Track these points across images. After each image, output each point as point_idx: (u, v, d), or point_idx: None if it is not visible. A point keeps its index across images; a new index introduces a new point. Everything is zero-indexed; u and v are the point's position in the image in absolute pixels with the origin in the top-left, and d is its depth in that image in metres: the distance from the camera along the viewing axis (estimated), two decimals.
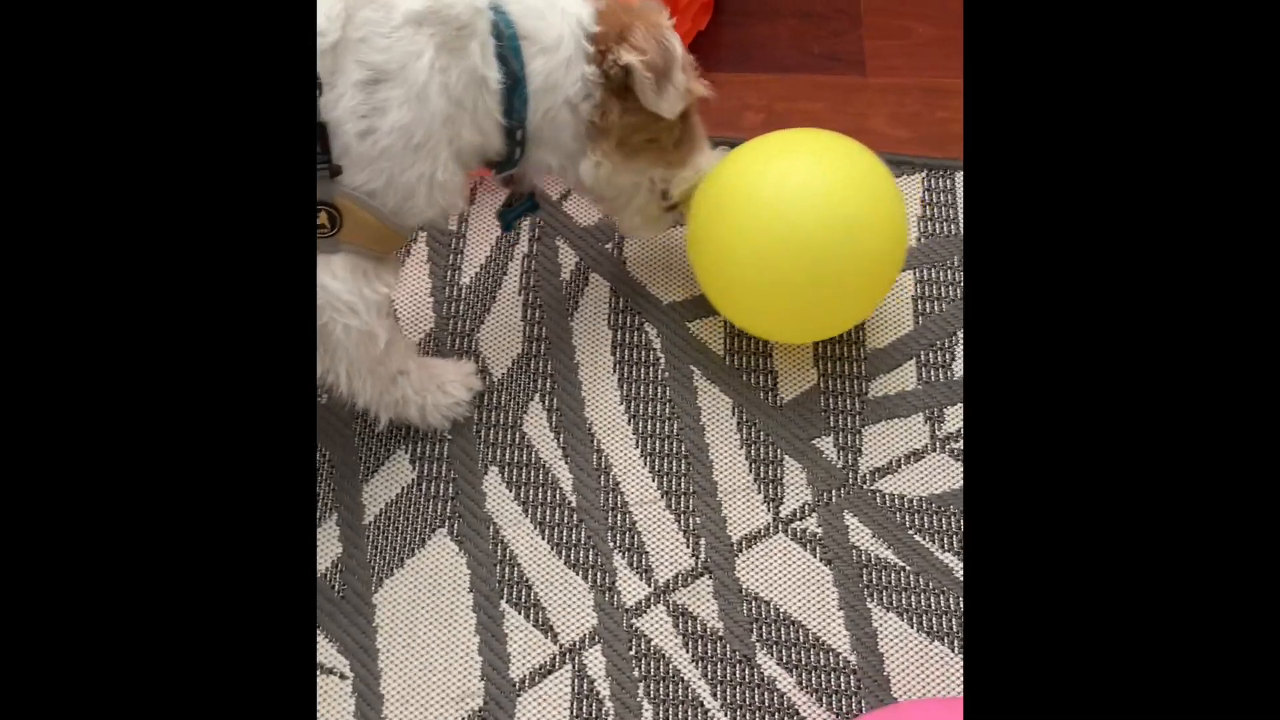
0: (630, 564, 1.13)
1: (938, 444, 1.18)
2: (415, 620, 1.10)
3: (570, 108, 1.05)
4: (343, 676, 1.07)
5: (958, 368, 1.23)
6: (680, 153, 1.14)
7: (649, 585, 1.12)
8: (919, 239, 1.32)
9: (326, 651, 1.08)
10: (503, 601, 1.11)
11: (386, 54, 0.94)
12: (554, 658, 1.08)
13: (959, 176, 1.36)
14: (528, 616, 1.10)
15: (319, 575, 1.12)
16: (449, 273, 1.29)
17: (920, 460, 1.18)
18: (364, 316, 1.03)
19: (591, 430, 1.20)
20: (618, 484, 1.17)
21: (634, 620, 1.10)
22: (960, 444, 1.18)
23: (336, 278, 1.00)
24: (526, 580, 1.12)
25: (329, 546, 1.13)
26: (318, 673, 1.07)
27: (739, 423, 1.21)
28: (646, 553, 1.14)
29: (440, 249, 1.30)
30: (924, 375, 1.23)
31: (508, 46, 1.00)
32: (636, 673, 1.08)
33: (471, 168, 1.07)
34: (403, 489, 1.16)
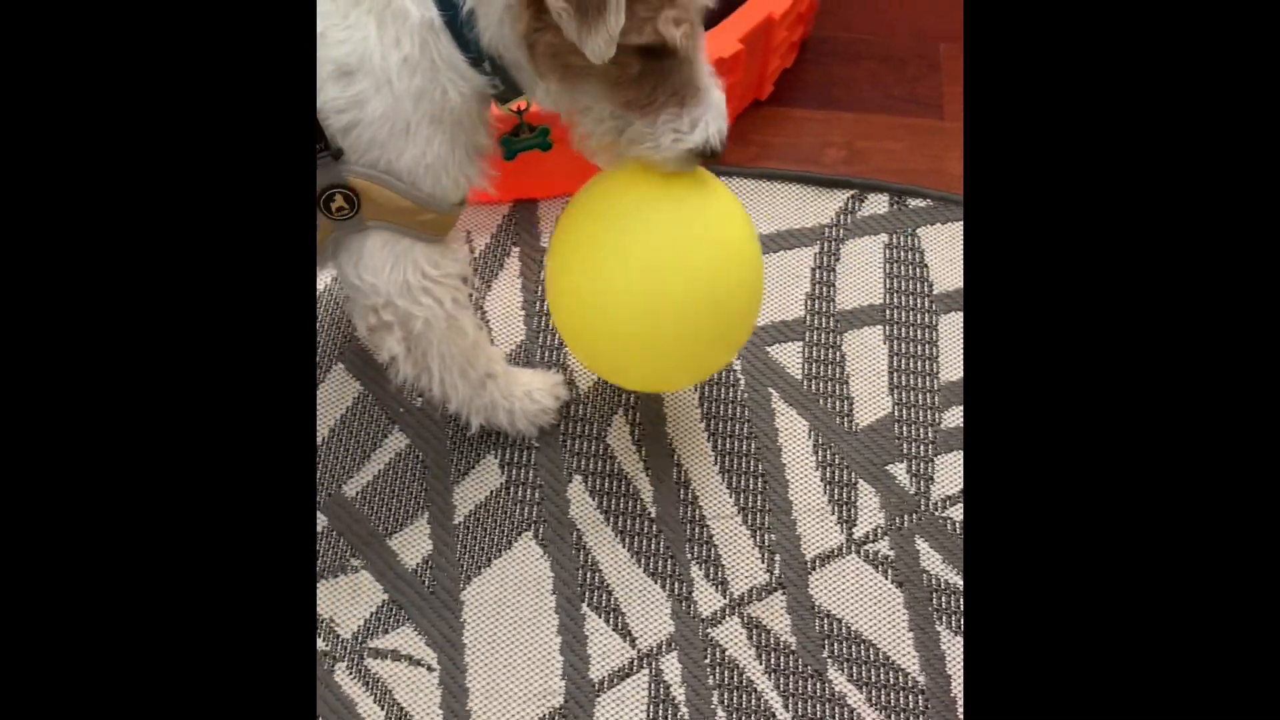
0: (707, 575, 1.18)
1: None
2: (501, 618, 1.14)
3: (511, 12, 0.92)
4: (430, 669, 1.12)
5: None
6: (638, 93, 0.95)
7: (724, 597, 1.16)
8: None
9: (415, 644, 1.13)
10: (584, 605, 1.16)
11: (346, 46, 0.91)
12: (632, 662, 1.13)
13: None
14: (608, 620, 1.15)
15: (410, 570, 1.16)
16: (540, 288, 1.34)
17: None
18: (432, 306, 1.04)
19: (672, 445, 1.25)
20: (696, 498, 1.22)
21: (709, 630, 1.15)
22: None
23: (366, 260, 1.01)
24: (607, 585, 1.17)
25: (420, 543, 1.18)
26: (407, 664, 1.12)
27: (815, 445, 1.25)
28: (723, 565, 1.18)
29: (532, 265, 1.36)
30: None
31: None
32: (711, 681, 1.12)
33: (479, 125, 1.00)
34: (492, 492, 1.21)
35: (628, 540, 1.19)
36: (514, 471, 1.23)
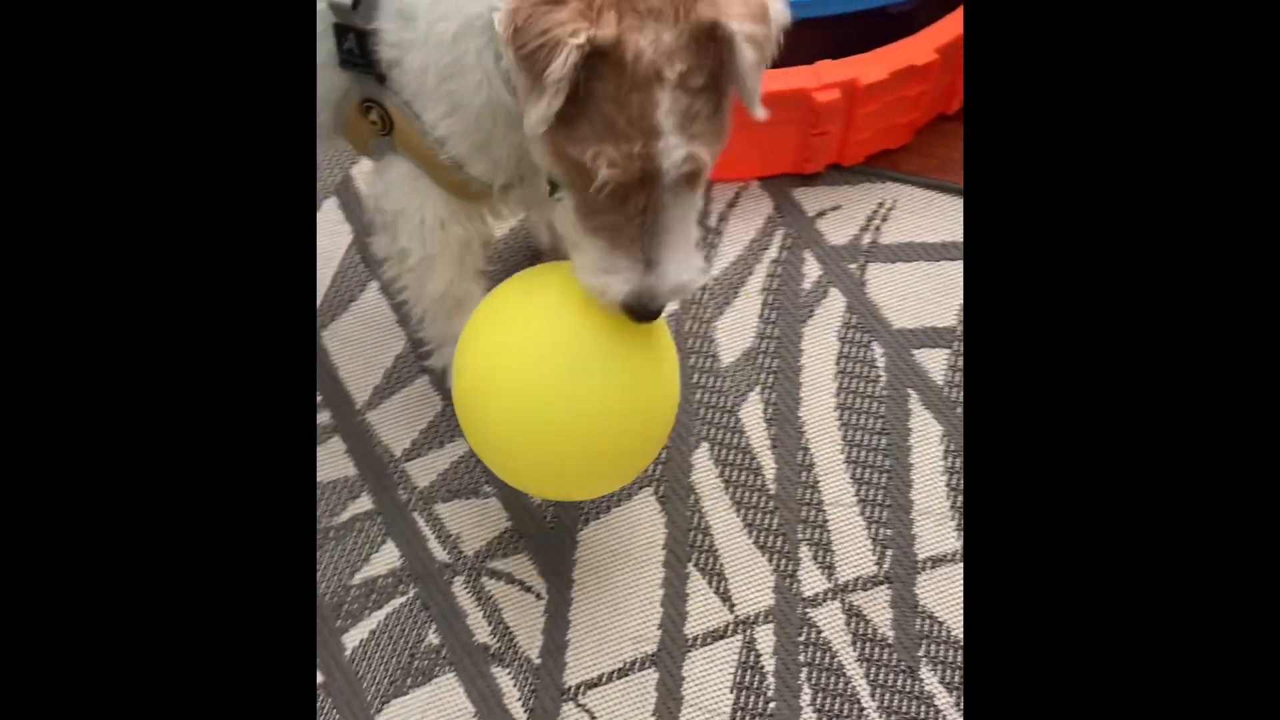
0: (814, 558, 1.19)
1: None
2: (611, 562, 1.20)
3: None
4: (539, 596, 1.18)
5: None
6: (586, 204, 0.89)
7: (829, 581, 1.18)
8: None
9: (529, 571, 1.20)
10: (690, 564, 1.20)
11: None
12: (728, 625, 1.16)
13: None
14: (710, 583, 1.18)
15: (536, 504, 1.24)
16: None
17: None
18: (405, 238, 1.07)
19: (802, 429, 1.27)
20: (817, 482, 1.24)
21: (809, 610, 1.16)
22: None
23: (387, 180, 1.05)
24: (716, 550, 1.20)
25: None
26: (518, 589, 1.19)
27: (945, 451, 1.24)
28: (832, 551, 1.19)
29: None
30: None
31: None
32: (802, 658, 1.13)
33: (502, 139, 0.98)
34: None
35: (743, 512, 1.23)
36: None
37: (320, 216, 1.45)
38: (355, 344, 1.35)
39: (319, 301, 1.38)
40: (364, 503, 1.24)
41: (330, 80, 1.04)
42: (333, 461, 1.26)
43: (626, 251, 0.90)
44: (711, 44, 0.83)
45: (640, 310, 0.92)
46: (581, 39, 0.80)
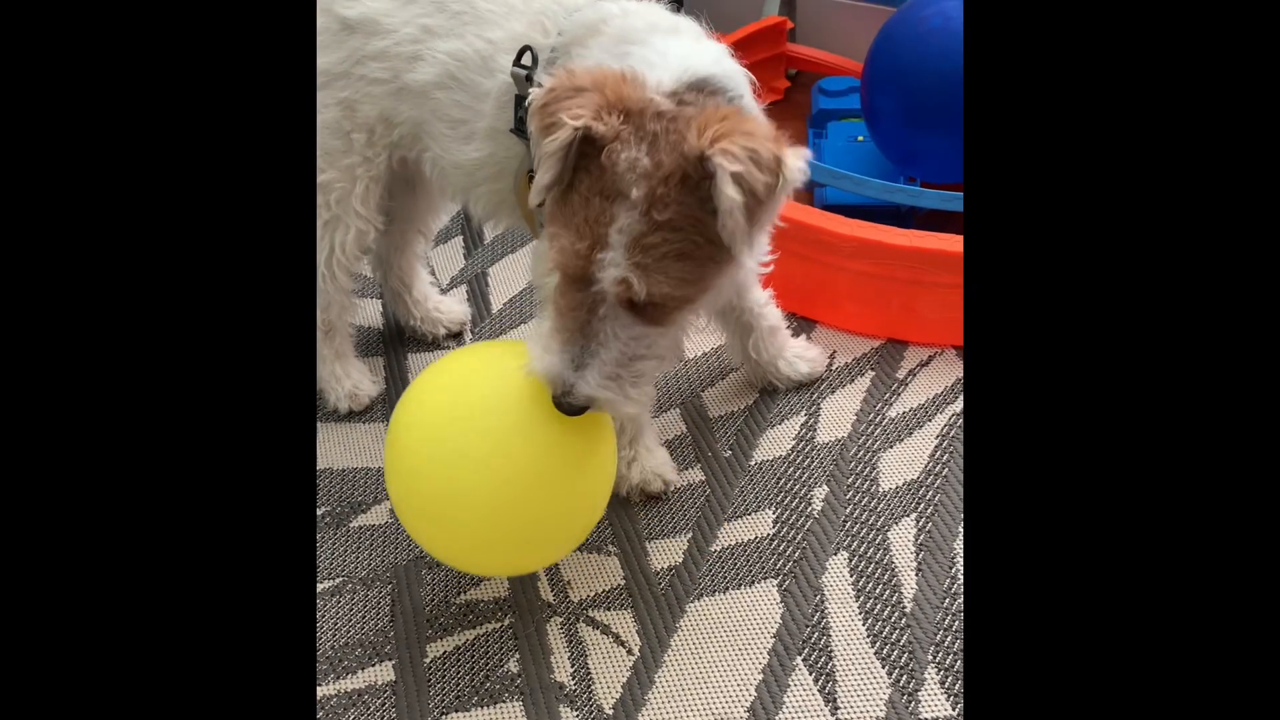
0: (942, 682, 1.04)
1: None
2: (714, 637, 1.11)
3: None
4: (630, 652, 1.10)
5: None
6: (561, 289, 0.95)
7: (952, 709, 1.01)
8: None
9: (628, 628, 1.12)
10: (799, 657, 1.08)
11: None
12: None
13: None
14: (816, 680, 1.06)
15: (654, 570, 1.18)
16: (881, 404, 1.37)
17: None
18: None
19: (954, 560, 1.16)
20: (961, 611, 1.10)
21: None
22: None
23: (537, 254, 1.14)
24: (831, 651, 1.08)
25: (673, 554, 1.20)
26: (612, 641, 1.11)
27: None
28: (964, 679, 1.04)
29: (879, 388, 1.39)
30: None
31: None
32: None
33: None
34: (758, 537, 1.21)
35: (870, 622, 1.10)
36: (785, 529, 1.21)
37: None
38: None
39: None
40: None
41: (512, 147, 1.11)
42: None
43: (565, 338, 0.95)
44: (704, 185, 0.87)
45: (554, 396, 0.96)
46: (579, 123, 0.88)
